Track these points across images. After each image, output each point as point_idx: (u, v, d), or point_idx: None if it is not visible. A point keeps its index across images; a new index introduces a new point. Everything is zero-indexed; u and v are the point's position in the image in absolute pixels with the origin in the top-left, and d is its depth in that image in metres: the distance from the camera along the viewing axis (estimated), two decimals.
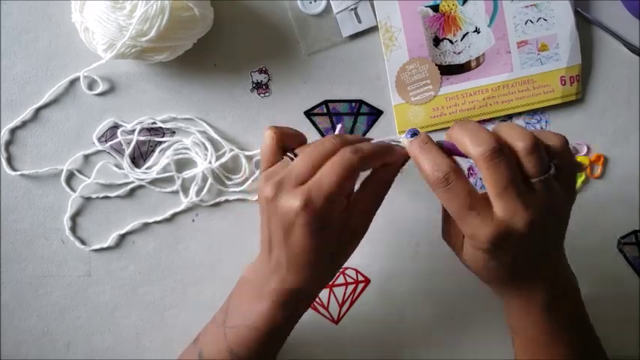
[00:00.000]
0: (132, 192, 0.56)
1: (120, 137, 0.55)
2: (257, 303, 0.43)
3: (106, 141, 0.56)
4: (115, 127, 0.56)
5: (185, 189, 0.56)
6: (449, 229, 0.43)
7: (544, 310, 0.42)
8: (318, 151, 0.40)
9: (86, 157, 0.56)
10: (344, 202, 0.40)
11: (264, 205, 0.40)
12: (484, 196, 0.38)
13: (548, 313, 0.42)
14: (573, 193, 0.41)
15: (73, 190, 0.56)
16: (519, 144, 0.37)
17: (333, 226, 0.40)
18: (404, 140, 0.41)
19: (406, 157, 0.42)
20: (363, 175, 0.43)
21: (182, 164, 0.56)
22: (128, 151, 0.55)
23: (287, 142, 0.43)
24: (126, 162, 0.55)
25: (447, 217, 0.43)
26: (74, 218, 0.56)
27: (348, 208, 0.41)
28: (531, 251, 0.40)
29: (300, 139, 0.44)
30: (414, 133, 0.41)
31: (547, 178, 0.38)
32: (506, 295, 0.44)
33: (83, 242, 0.56)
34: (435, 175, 0.38)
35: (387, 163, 0.42)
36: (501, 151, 0.37)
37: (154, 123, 0.55)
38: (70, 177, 0.56)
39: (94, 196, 0.56)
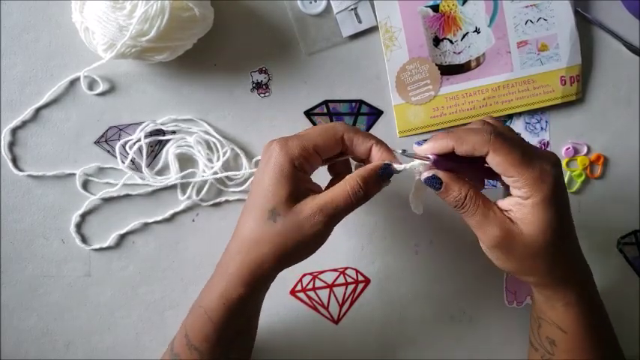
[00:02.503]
0: (132, 192, 0.56)
1: (130, 152, 0.55)
2: (209, 281, 0.45)
3: (106, 141, 0.56)
4: (115, 127, 0.56)
5: (185, 188, 0.56)
6: (491, 228, 0.40)
7: (591, 302, 0.43)
8: (323, 125, 0.44)
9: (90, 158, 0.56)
10: (312, 183, 0.43)
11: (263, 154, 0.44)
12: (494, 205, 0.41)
13: (594, 304, 0.44)
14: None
15: (91, 193, 0.56)
16: (498, 124, 0.42)
17: (294, 183, 0.41)
18: (422, 146, 0.41)
19: (388, 172, 0.42)
20: None
21: (182, 163, 0.56)
22: (144, 160, 0.55)
23: (323, 153, 0.45)
24: (145, 171, 0.55)
25: (484, 218, 0.41)
26: (75, 218, 0.56)
27: (313, 189, 0.42)
28: (568, 204, 0.41)
29: (333, 153, 0.45)
30: (423, 140, 0.42)
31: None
32: (557, 289, 0.43)
33: (85, 241, 0.56)
34: (488, 131, 0.39)
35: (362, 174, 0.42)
36: (502, 132, 0.40)
37: (159, 131, 0.55)
38: (71, 177, 0.56)
39: (95, 196, 0.56)
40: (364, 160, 0.45)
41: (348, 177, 0.41)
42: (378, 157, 0.43)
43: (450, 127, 0.58)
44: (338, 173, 0.47)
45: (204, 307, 0.43)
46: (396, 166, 0.42)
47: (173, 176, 0.55)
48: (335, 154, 0.44)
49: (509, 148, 0.38)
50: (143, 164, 0.55)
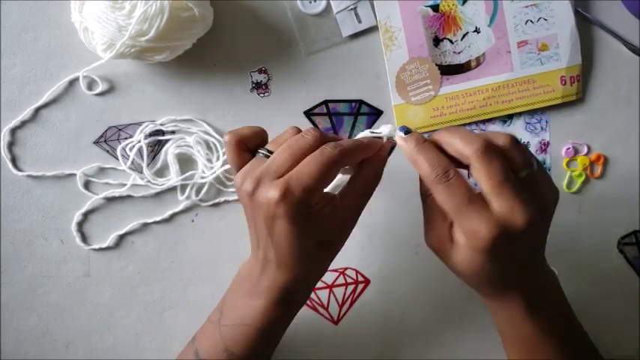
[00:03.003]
0: (131, 193, 0.56)
1: (131, 154, 0.55)
2: (251, 301, 0.43)
3: (105, 141, 0.56)
4: (115, 127, 0.56)
5: (184, 188, 0.56)
6: (434, 233, 0.41)
7: (531, 314, 0.42)
8: (298, 145, 0.40)
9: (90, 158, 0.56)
10: (327, 196, 0.41)
11: (246, 201, 0.40)
12: (481, 194, 0.38)
13: (534, 316, 0.42)
14: (556, 191, 0.41)
15: (93, 193, 0.56)
16: (500, 141, 0.38)
17: (316, 218, 0.39)
18: (397, 138, 0.41)
19: (391, 148, 0.42)
20: None
21: (181, 163, 0.56)
22: (145, 161, 0.55)
23: (249, 143, 0.43)
24: (146, 172, 0.55)
25: (430, 222, 0.41)
26: (78, 217, 0.56)
27: (334, 202, 0.41)
28: (526, 250, 0.40)
29: (261, 137, 0.44)
30: (407, 132, 0.41)
31: (533, 171, 0.39)
32: (492, 300, 0.43)
33: (85, 241, 0.56)
34: (435, 171, 0.38)
35: (370, 159, 0.42)
36: (493, 148, 0.37)
37: (159, 131, 0.55)
38: (72, 178, 0.56)
39: (98, 196, 0.56)
40: None
41: (364, 171, 0.42)
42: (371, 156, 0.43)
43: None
44: None
45: (248, 321, 0.43)
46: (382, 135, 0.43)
47: (174, 178, 0.55)
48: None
49: (448, 195, 0.38)
50: (144, 165, 0.55)
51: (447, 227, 0.40)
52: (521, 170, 0.38)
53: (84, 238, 0.56)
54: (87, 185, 0.56)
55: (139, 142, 0.55)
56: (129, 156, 0.55)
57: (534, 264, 0.42)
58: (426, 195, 0.41)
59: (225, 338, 0.44)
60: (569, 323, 0.45)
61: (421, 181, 0.41)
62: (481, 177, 0.37)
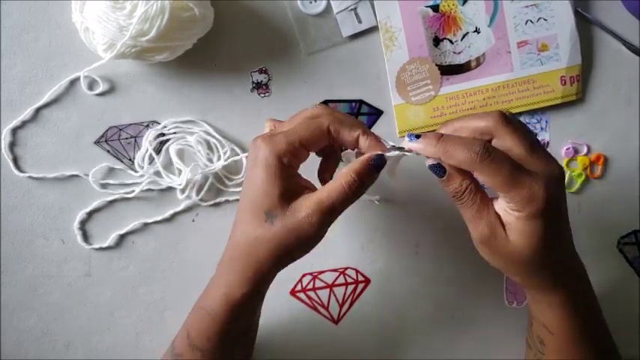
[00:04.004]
0: (132, 193, 0.56)
1: (144, 163, 0.56)
2: (210, 281, 0.44)
3: (106, 141, 0.56)
4: (115, 127, 0.56)
5: (184, 188, 0.56)
6: (481, 225, 0.40)
7: (579, 303, 0.43)
8: (299, 113, 0.44)
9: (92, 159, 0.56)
10: (307, 182, 0.43)
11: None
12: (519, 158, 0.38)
13: (583, 306, 0.43)
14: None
15: (100, 192, 0.56)
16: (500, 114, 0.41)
17: (286, 178, 0.41)
18: (411, 144, 0.40)
19: (381, 163, 0.42)
20: None
21: (182, 163, 0.56)
22: (159, 163, 0.56)
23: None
24: (163, 173, 0.55)
25: (475, 217, 0.40)
26: (81, 216, 0.56)
27: (307, 189, 0.42)
28: (564, 211, 0.40)
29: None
30: (417, 136, 0.40)
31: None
32: (544, 291, 0.43)
33: (87, 240, 0.56)
34: (474, 150, 0.37)
35: (359, 167, 0.41)
36: (509, 118, 0.39)
37: (162, 134, 0.55)
38: (73, 178, 0.56)
39: (108, 197, 0.56)
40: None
41: (342, 172, 0.41)
42: (365, 145, 0.42)
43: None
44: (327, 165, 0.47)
45: (206, 308, 0.43)
46: (387, 155, 0.42)
47: (184, 178, 0.55)
48: (322, 146, 0.43)
49: (495, 169, 0.37)
50: (159, 166, 0.55)
51: (494, 214, 0.40)
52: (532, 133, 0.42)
53: (85, 238, 0.56)
54: (87, 185, 0.56)
55: (147, 150, 0.55)
56: (143, 165, 0.55)
57: (572, 256, 0.43)
58: (460, 194, 0.40)
59: (187, 323, 0.45)
60: (602, 316, 0.46)
61: (448, 180, 0.40)
62: (514, 143, 0.38)
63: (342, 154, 0.46)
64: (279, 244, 0.41)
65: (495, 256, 0.41)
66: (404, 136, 0.57)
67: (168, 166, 0.56)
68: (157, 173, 0.56)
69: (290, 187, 0.41)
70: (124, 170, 0.56)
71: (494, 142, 0.39)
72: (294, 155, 0.41)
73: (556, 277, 0.42)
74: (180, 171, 0.55)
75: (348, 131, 0.42)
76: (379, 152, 0.42)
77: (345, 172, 0.41)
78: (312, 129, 0.41)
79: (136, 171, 0.56)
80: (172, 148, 0.55)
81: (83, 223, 0.56)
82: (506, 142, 0.38)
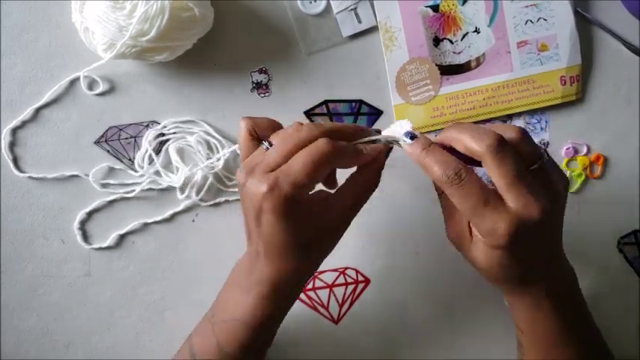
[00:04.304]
0: (133, 193, 0.56)
1: (144, 163, 0.55)
2: (242, 296, 0.43)
3: (106, 141, 0.56)
4: (115, 127, 0.56)
5: (183, 187, 0.56)
6: (454, 228, 0.42)
7: (554, 306, 0.42)
8: (293, 139, 0.39)
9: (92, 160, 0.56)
10: (320, 194, 0.42)
11: (240, 192, 0.40)
12: (495, 190, 0.38)
13: (557, 308, 0.42)
14: (565, 177, 0.41)
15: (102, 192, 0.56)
16: (509, 134, 0.38)
17: (305, 214, 0.39)
18: (403, 145, 0.41)
19: (388, 151, 0.42)
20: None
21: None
22: (159, 163, 0.55)
23: (262, 133, 0.42)
24: (162, 172, 0.55)
25: (450, 216, 0.42)
26: (81, 216, 0.56)
27: (326, 201, 0.41)
28: (544, 243, 0.40)
29: (274, 128, 0.43)
30: (413, 136, 0.40)
31: (544, 162, 0.39)
32: (514, 295, 0.43)
33: (87, 239, 0.56)
34: (447, 173, 0.37)
35: (368, 164, 0.42)
36: (505, 143, 0.37)
37: (162, 134, 0.55)
38: (73, 178, 0.56)
39: (97, 197, 0.56)
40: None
41: (361, 174, 0.42)
42: (366, 161, 0.42)
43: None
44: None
45: (239, 317, 0.43)
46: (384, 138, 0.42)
47: (182, 176, 0.55)
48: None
49: (462, 197, 0.37)
50: (158, 166, 0.55)
51: (465, 222, 0.40)
52: (532, 163, 0.38)
53: (85, 238, 0.56)
54: (87, 185, 0.56)
55: (147, 150, 0.55)
56: (142, 165, 0.55)
57: (554, 255, 0.42)
58: (440, 191, 0.41)
59: (218, 335, 0.44)
60: (589, 320, 0.45)
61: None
62: (494, 174, 0.37)
63: None
64: (320, 260, 0.43)
65: (462, 254, 0.42)
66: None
67: (167, 165, 0.56)
68: (157, 173, 0.56)
69: (311, 217, 0.40)
70: (124, 170, 0.56)
71: (484, 167, 0.38)
72: (304, 193, 0.39)
73: (518, 283, 0.42)
74: (178, 169, 0.55)
75: (348, 160, 0.41)
76: (386, 147, 0.42)
77: (368, 171, 0.42)
78: (320, 171, 0.38)
79: (136, 171, 0.56)
80: (172, 148, 0.55)
81: (83, 223, 0.56)
82: (490, 172, 0.37)
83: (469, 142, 0.38)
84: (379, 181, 0.43)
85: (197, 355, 0.46)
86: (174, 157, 0.55)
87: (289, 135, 0.40)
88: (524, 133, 0.39)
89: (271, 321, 0.44)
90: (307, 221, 0.40)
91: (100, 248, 0.56)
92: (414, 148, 0.40)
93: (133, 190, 0.56)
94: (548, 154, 0.40)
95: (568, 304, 0.43)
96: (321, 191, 0.43)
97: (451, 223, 0.42)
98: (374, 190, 0.42)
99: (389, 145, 0.42)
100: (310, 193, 0.41)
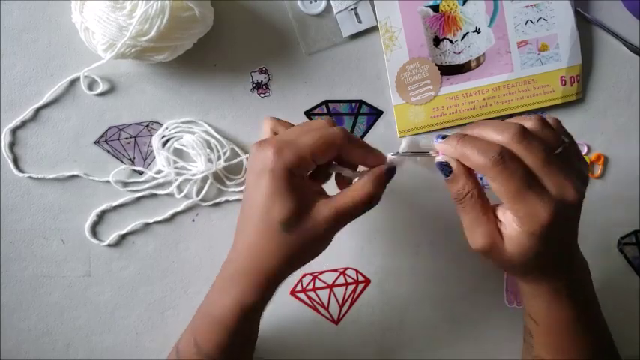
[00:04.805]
0: (134, 193, 0.56)
1: (158, 167, 0.56)
2: (217, 286, 0.44)
3: (106, 141, 0.56)
4: (115, 127, 0.56)
5: (184, 188, 0.56)
6: (480, 231, 0.40)
7: (570, 297, 0.42)
8: (311, 123, 0.42)
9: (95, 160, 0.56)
10: (317, 186, 0.42)
11: (249, 161, 0.41)
12: (535, 175, 0.37)
13: (574, 300, 0.42)
14: (585, 161, 0.42)
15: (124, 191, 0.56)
16: (528, 124, 0.38)
17: (297, 193, 0.40)
18: (436, 144, 0.41)
19: (390, 172, 0.42)
20: None
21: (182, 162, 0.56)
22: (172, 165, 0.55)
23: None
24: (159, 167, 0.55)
25: (475, 224, 0.40)
26: (78, 217, 0.56)
27: (320, 196, 0.42)
28: (572, 230, 0.40)
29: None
30: (444, 137, 0.40)
31: (565, 146, 0.39)
32: (535, 282, 0.42)
33: (88, 241, 0.56)
34: (490, 155, 0.37)
35: (370, 176, 0.42)
36: (528, 131, 0.37)
37: (164, 137, 0.55)
38: (73, 178, 0.56)
39: (97, 197, 0.56)
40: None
41: (359, 182, 0.42)
42: (373, 163, 0.43)
43: (449, 127, 0.58)
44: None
45: (216, 317, 0.43)
46: (394, 161, 0.43)
47: (171, 172, 0.55)
48: (329, 159, 0.43)
49: (505, 179, 0.37)
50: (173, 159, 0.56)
51: (494, 221, 0.40)
52: (555, 149, 0.38)
53: (85, 238, 0.56)
54: (88, 184, 0.56)
55: (159, 153, 0.55)
56: (125, 154, 0.55)
57: (575, 246, 0.42)
58: (461, 197, 0.40)
59: (194, 330, 0.45)
60: (599, 311, 0.45)
61: (453, 182, 0.40)
62: (526, 161, 0.37)
63: (331, 167, 0.45)
64: (295, 252, 0.41)
65: (490, 259, 0.41)
66: (404, 136, 0.58)
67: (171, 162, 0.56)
68: (179, 169, 0.56)
69: (303, 197, 0.40)
70: (124, 170, 0.56)
71: (487, 179, 0.38)
72: (304, 168, 0.41)
73: (545, 271, 0.41)
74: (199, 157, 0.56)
75: (357, 152, 0.42)
76: (393, 164, 0.43)
77: (363, 184, 0.42)
78: (326, 146, 0.40)
79: (140, 173, 0.56)
80: (185, 141, 0.55)
81: (83, 223, 0.56)
82: (521, 158, 0.37)
83: (492, 135, 0.38)
84: (375, 201, 0.42)
85: (180, 354, 0.46)
86: (190, 150, 0.55)
87: (309, 121, 0.43)
88: (542, 121, 0.39)
89: (245, 315, 0.43)
90: (293, 200, 0.40)
91: (101, 248, 0.56)
92: (449, 143, 0.39)
93: (137, 191, 0.56)
94: (570, 137, 0.40)
95: (583, 294, 0.43)
96: (318, 185, 0.44)
97: (477, 227, 0.40)
98: (367, 205, 0.42)
99: (392, 165, 0.42)
100: (311, 187, 0.42)
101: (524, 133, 0.37)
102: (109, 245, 0.56)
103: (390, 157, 0.43)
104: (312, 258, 0.43)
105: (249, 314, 0.43)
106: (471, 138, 0.39)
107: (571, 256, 0.42)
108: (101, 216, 0.56)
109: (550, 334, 0.44)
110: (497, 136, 0.38)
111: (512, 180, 0.37)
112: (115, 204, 0.56)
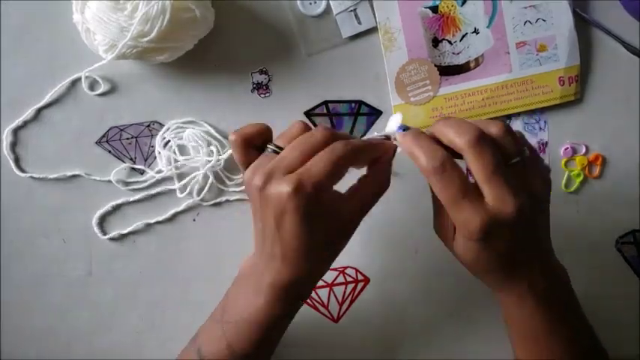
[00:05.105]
0: (135, 193, 0.57)
1: (161, 166, 0.56)
2: (254, 297, 0.43)
3: (107, 142, 0.56)
4: (116, 127, 0.56)
5: (185, 188, 0.56)
6: (440, 221, 0.43)
7: (539, 303, 0.42)
8: (309, 142, 0.40)
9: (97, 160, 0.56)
10: (334, 195, 0.41)
11: (255, 195, 0.40)
12: (476, 184, 0.38)
13: (542, 305, 0.42)
14: (548, 175, 0.42)
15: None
16: (493, 130, 0.39)
17: (325, 215, 0.40)
18: (396, 134, 0.41)
19: (394, 150, 0.43)
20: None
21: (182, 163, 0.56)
22: (172, 165, 0.55)
23: (255, 141, 0.43)
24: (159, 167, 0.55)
25: (438, 210, 0.43)
26: (77, 217, 0.57)
27: (340, 201, 0.41)
28: (522, 238, 0.40)
29: (266, 134, 0.43)
30: (405, 128, 0.41)
31: (524, 158, 0.39)
32: (500, 289, 0.44)
33: (90, 241, 0.57)
34: (431, 162, 0.38)
35: (378, 159, 0.42)
36: (485, 138, 0.38)
37: (165, 138, 0.56)
38: (74, 178, 0.56)
39: (98, 197, 0.56)
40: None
41: (373, 173, 0.43)
42: (380, 157, 0.43)
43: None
44: None
45: (252, 321, 0.43)
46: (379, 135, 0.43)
47: (204, 156, 0.56)
48: None
49: (443, 187, 0.38)
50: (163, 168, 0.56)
51: (448, 217, 0.41)
52: (512, 158, 0.39)
53: (86, 237, 0.56)
54: (88, 184, 0.56)
55: (159, 153, 0.56)
56: (125, 154, 0.56)
57: (538, 252, 0.42)
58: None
59: (228, 335, 0.45)
60: (577, 315, 0.45)
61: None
62: (473, 167, 0.38)
63: None
64: (333, 258, 0.44)
65: (450, 251, 0.43)
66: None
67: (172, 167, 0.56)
68: (179, 167, 0.56)
69: (331, 210, 0.41)
70: (125, 170, 0.56)
71: (465, 160, 0.39)
72: (325, 194, 0.40)
73: (507, 281, 0.42)
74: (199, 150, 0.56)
75: (363, 155, 0.42)
76: (395, 144, 0.43)
77: (374, 174, 0.43)
78: (340, 173, 0.40)
79: (141, 172, 0.56)
80: (187, 135, 0.56)
81: (84, 223, 0.56)
82: (470, 166, 0.38)
83: (452, 136, 0.39)
84: (389, 183, 0.43)
85: (205, 356, 0.46)
86: (192, 144, 0.55)
87: (305, 138, 0.40)
88: (506, 129, 0.39)
89: (282, 321, 0.45)
90: (324, 222, 0.40)
91: (101, 248, 0.57)
92: (405, 138, 0.40)
93: (142, 190, 0.56)
94: (532, 150, 0.41)
95: (555, 302, 0.43)
96: (334, 191, 0.43)
97: (436, 218, 0.43)
98: (384, 191, 0.43)
99: (395, 145, 0.43)
100: None
101: (479, 139, 0.37)
102: (109, 244, 0.57)
103: (377, 135, 0.43)
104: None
105: (286, 315, 0.45)
106: (423, 138, 0.40)
107: (532, 265, 0.42)
108: (103, 215, 0.57)
109: (522, 340, 0.45)
110: (455, 137, 0.38)
111: (449, 188, 0.38)
112: (116, 203, 0.56)
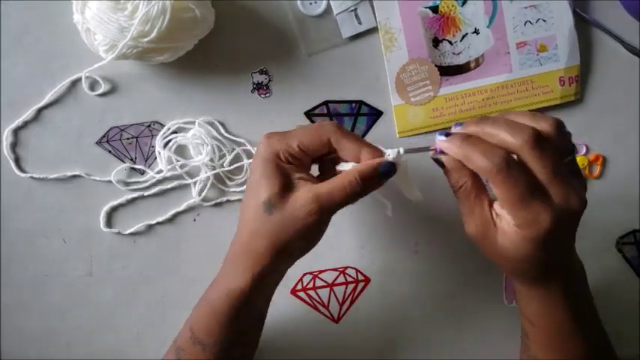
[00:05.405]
0: (135, 192, 0.57)
1: (162, 166, 0.56)
2: (217, 277, 0.45)
3: (107, 142, 0.56)
4: (117, 127, 0.56)
5: (186, 187, 0.56)
6: (474, 220, 0.40)
7: (567, 301, 0.42)
8: (316, 124, 0.44)
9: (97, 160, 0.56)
10: (305, 170, 0.43)
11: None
12: (539, 181, 0.37)
13: (570, 303, 0.42)
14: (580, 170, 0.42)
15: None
16: (544, 126, 0.38)
17: (283, 175, 0.42)
18: (439, 142, 0.40)
19: (380, 164, 0.42)
20: None
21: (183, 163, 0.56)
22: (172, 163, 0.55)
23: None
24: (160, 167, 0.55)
25: (470, 212, 0.41)
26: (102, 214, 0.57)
27: (308, 181, 0.42)
28: (571, 235, 0.40)
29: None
30: (448, 134, 0.40)
31: (575, 156, 0.39)
32: (531, 285, 0.42)
33: (88, 239, 0.57)
34: (495, 161, 0.36)
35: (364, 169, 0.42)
36: (542, 138, 0.37)
37: (165, 137, 0.56)
38: (74, 178, 0.56)
39: (98, 197, 0.56)
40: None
41: (348, 171, 0.42)
42: (367, 159, 0.42)
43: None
44: (324, 171, 0.47)
45: (209, 301, 0.44)
46: (391, 157, 0.42)
47: (207, 155, 0.56)
48: (322, 153, 0.44)
49: (509, 186, 0.37)
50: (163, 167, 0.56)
51: (489, 211, 0.40)
52: (566, 156, 0.38)
53: (86, 237, 0.56)
54: (88, 184, 0.56)
55: (160, 153, 0.55)
56: (125, 154, 0.56)
57: (573, 248, 0.42)
58: (457, 186, 0.40)
59: (191, 317, 0.46)
60: (595, 312, 0.45)
61: (450, 172, 0.40)
62: (534, 168, 0.37)
63: (338, 168, 0.45)
64: (276, 235, 0.41)
65: (481, 248, 0.41)
66: (404, 137, 0.58)
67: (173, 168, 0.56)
68: (160, 170, 0.56)
69: (290, 181, 0.42)
70: (126, 170, 0.56)
71: (523, 160, 0.38)
72: (291, 155, 0.42)
73: (540, 274, 0.41)
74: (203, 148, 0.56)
75: (349, 145, 0.42)
76: (390, 160, 0.42)
77: (349, 172, 0.41)
78: (313, 136, 0.43)
79: (142, 172, 0.56)
80: (172, 149, 0.56)
81: (84, 223, 0.56)
82: (530, 165, 0.37)
83: (505, 137, 0.37)
84: (362, 194, 0.42)
85: (177, 342, 0.47)
86: (194, 141, 0.55)
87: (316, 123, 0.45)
88: (560, 127, 0.38)
89: (239, 302, 0.43)
90: (280, 183, 0.41)
91: (102, 247, 0.57)
92: (452, 142, 0.39)
93: (142, 190, 0.56)
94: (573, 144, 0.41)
95: (580, 297, 0.43)
96: (308, 172, 0.45)
97: (472, 216, 0.40)
98: (353, 194, 0.41)
99: (390, 161, 0.42)
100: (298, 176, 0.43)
101: (538, 139, 0.37)
102: (110, 244, 0.57)
103: (388, 153, 0.42)
104: (302, 248, 0.43)
105: (237, 302, 0.43)
106: (475, 139, 0.38)
107: (568, 259, 0.42)
108: (103, 216, 0.56)
109: (546, 335, 0.44)
110: (509, 137, 0.37)
111: (516, 188, 0.36)
112: (116, 203, 0.56)
